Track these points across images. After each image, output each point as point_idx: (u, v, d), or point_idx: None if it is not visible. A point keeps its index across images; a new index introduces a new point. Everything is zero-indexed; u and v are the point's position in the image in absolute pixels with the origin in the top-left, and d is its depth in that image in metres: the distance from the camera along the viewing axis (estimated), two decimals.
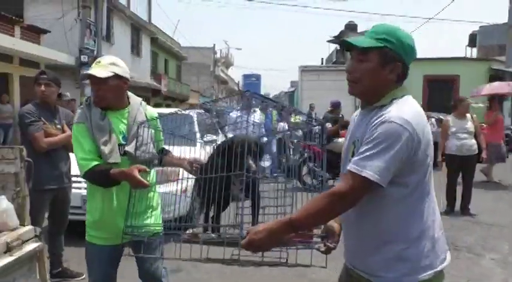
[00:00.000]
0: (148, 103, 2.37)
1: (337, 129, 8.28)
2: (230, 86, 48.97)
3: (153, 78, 22.13)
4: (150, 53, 22.55)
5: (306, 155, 8.10)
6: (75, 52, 13.31)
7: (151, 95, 21.10)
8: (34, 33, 12.43)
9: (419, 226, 1.40)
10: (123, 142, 2.07)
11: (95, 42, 13.78)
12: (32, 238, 2.06)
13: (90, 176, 2.00)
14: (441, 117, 9.89)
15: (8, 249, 1.88)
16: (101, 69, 2.06)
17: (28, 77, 11.67)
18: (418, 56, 1.53)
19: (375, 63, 1.44)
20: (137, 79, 18.37)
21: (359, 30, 34.20)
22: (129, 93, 2.23)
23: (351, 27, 34.33)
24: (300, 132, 11.61)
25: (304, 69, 17.00)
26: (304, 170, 8.00)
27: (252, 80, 50.42)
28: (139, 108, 2.17)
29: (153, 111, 2.26)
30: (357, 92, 1.51)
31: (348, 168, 1.36)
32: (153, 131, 2.13)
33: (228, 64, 49.15)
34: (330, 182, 8.14)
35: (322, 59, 39.40)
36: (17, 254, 1.92)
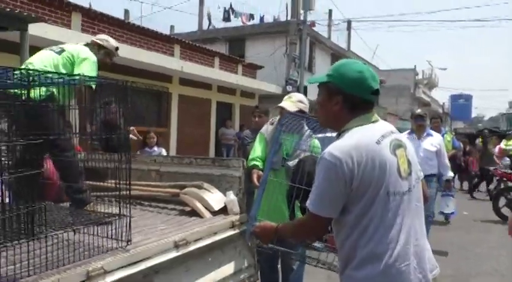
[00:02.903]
0: None
1: None
2: (433, 108, 45.76)
3: None
4: None
5: (504, 184, 7.41)
6: (282, 83, 15.23)
7: None
8: (252, 69, 14.89)
9: (366, 250, 1.47)
10: (285, 157, 2.79)
11: (298, 73, 15.58)
12: (247, 221, 3.02)
13: (247, 171, 2.96)
14: None
15: (233, 225, 2.86)
16: (291, 104, 2.90)
17: (245, 106, 14.11)
18: None
19: (323, 97, 1.61)
20: None
21: None
22: (304, 124, 2.93)
23: None
24: (507, 160, 10.78)
25: None
26: (502, 201, 7.33)
27: (461, 101, 45.57)
28: (307, 137, 2.87)
29: (316, 142, 2.91)
30: (320, 123, 1.73)
31: None
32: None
33: (431, 85, 46.13)
34: None
35: None
36: (238, 230, 2.88)
